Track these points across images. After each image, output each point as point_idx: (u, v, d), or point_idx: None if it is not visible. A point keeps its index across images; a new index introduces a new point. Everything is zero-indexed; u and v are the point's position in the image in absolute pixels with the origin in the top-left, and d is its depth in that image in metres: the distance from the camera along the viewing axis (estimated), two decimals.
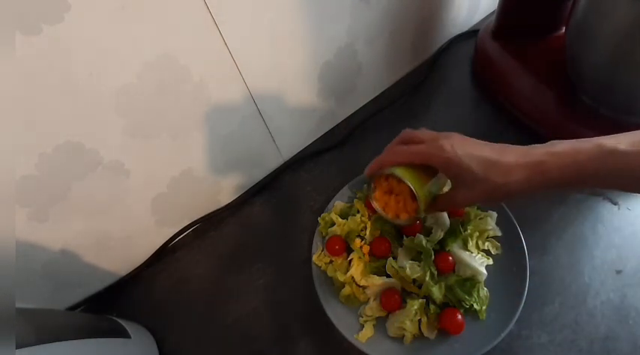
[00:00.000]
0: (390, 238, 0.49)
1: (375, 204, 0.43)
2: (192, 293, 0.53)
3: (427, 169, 0.39)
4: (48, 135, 0.37)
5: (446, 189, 0.41)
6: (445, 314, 0.44)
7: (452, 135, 0.37)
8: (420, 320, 0.45)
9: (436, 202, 0.40)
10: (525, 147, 0.35)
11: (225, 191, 0.58)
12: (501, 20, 0.62)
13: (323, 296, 0.48)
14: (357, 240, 0.49)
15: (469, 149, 0.35)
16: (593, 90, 0.53)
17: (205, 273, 0.55)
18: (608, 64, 0.48)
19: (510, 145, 0.36)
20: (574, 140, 0.33)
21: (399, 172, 0.38)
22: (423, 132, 0.39)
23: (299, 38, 0.48)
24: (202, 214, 0.57)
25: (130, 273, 0.55)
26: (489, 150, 0.35)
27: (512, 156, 0.34)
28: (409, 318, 0.44)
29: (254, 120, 0.52)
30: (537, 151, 0.34)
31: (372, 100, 0.68)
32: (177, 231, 0.56)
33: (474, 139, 0.37)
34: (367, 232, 0.50)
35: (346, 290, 0.47)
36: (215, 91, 0.45)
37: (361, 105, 0.67)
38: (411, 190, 0.37)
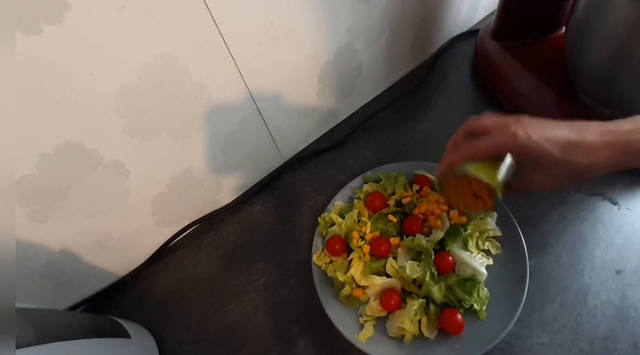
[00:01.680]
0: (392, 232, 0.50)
1: (452, 201, 0.42)
2: (192, 293, 0.53)
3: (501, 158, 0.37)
4: (48, 135, 0.37)
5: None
6: (445, 314, 0.44)
7: (521, 119, 0.35)
8: (420, 320, 0.45)
9: (512, 186, 0.38)
10: (605, 123, 0.33)
11: (225, 191, 0.58)
12: (501, 20, 0.62)
13: (323, 296, 0.48)
14: (355, 233, 0.50)
15: (544, 132, 0.33)
16: (593, 90, 0.53)
17: (205, 273, 0.55)
18: (608, 64, 0.48)
19: (586, 122, 0.34)
20: None
21: (472, 170, 0.36)
22: (489, 119, 0.37)
23: (299, 38, 0.48)
24: (202, 214, 0.57)
25: (130, 273, 0.55)
26: (567, 131, 0.33)
27: (594, 134, 0.32)
28: (409, 318, 0.44)
29: (254, 120, 0.52)
30: (622, 129, 0.32)
31: (372, 100, 0.68)
32: (177, 231, 0.56)
33: (546, 120, 0.35)
34: (367, 229, 0.50)
35: (346, 290, 0.47)
36: (215, 91, 0.45)
37: (361, 105, 0.67)
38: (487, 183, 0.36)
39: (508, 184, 0.37)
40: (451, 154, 0.37)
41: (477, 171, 0.36)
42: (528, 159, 0.34)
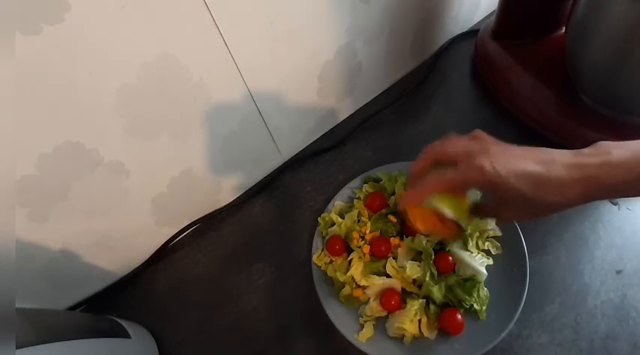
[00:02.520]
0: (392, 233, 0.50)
1: (419, 229, 0.41)
2: (192, 293, 0.53)
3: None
4: (48, 135, 0.37)
5: None
6: (445, 315, 0.44)
7: (488, 148, 0.33)
8: (420, 320, 0.45)
9: (478, 212, 0.38)
10: (573, 154, 0.32)
11: (225, 191, 0.58)
12: (501, 20, 0.62)
13: (323, 296, 0.48)
14: (355, 233, 0.50)
15: (512, 165, 0.32)
16: (593, 89, 0.53)
17: (205, 273, 0.55)
18: (608, 64, 0.48)
19: (554, 152, 0.32)
20: (627, 143, 0.31)
21: (437, 202, 0.35)
22: (453, 147, 0.35)
23: (299, 38, 0.48)
24: (202, 214, 0.57)
25: (129, 273, 0.55)
26: (535, 164, 0.31)
27: (562, 169, 0.31)
28: (409, 318, 0.44)
29: (254, 119, 0.52)
30: (591, 162, 0.31)
31: (372, 100, 0.68)
32: (177, 231, 0.56)
33: (513, 148, 0.33)
34: (367, 229, 0.50)
35: (346, 290, 0.47)
36: (215, 91, 0.45)
37: (361, 105, 0.67)
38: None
39: (477, 207, 0.37)
40: (416, 188, 0.36)
41: (441, 203, 0.35)
42: (497, 194, 0.34)
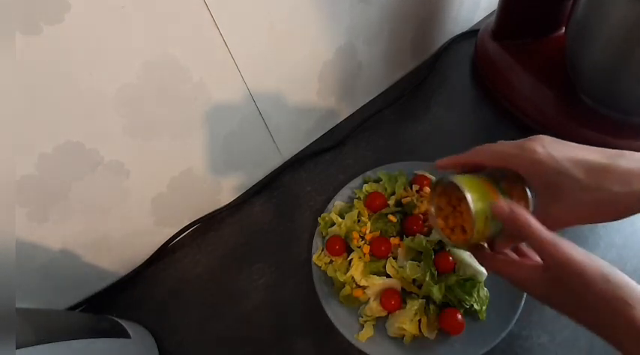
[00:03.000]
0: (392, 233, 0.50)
1: (431, 219, 0.36)
2: (192, 293, 0.53)
3: (505, 192, 0.32)
4: (48, 135, 0.37)
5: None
6: (445, 315, 0.44)
7: (541, 137, 0.30)
8: (420, 320, 0.45)
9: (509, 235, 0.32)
10: None
11: (225, 191, 0.58)
12: (501, 20, 0.62)
13: (323, 296, 0.48)
14: (355, 233, 0.50)
15: (567, 151, 0.28)
16: (593, 90, 0.53)
17: (205, 273, 0.55)
18: (608, 64, 0.48)
19: (622, 150, 0.28)
20: None
21: (460, 180, 0.30)
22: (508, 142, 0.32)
23: (298, 38, 0.48)
24: (202, 214, 0.57)
25: (130, 273, 0.55)
26: (596, 154, 0.28)
27: (632, 161, 0.27)
28: (409, 318, 0.44)
29: (254, 119, 0.52)
30: None
31: (371, 100, 0.68)
32: (177, 231, 0.56)
33: (574, 143, 0.29)
34: (367, 229, 0.50)
35: (346, 290, 0.47)
36: (215, 91, 0.45)
37: (361, 105, 0.67)
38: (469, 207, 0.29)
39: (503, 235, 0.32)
40: (461, 154, 0.34)
41: (464, 183, 0.30)
42: (544, 179, 0.29)
